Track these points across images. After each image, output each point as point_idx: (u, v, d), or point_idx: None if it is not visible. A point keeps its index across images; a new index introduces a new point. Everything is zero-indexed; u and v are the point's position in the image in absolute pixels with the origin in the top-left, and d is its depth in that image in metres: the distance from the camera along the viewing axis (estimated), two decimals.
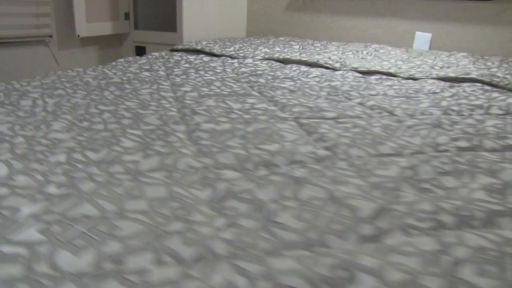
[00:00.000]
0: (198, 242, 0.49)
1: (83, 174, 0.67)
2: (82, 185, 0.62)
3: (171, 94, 1.20)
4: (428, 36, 2.22)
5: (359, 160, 0.78)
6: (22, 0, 2.07)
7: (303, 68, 1.68)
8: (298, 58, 1.77)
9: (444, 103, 1.24)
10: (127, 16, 2.50)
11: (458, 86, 1.47)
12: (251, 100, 1.14)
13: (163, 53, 1.98)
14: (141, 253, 0.47)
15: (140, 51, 2.52)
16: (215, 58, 1.85)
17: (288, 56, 1.80)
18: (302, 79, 1.47)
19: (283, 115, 1.02)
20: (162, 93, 1.21)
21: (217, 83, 1.34)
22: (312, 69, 1.65)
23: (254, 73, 1.53)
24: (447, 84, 1.49)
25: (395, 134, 0.93)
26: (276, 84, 1.36)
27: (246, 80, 1.42)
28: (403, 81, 1.54)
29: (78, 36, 2.25)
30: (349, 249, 0.51)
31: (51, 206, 0.57)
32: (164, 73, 1.54)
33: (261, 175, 0.69)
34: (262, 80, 1.42)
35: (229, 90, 1.26)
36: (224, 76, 1.47)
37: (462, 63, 1.79)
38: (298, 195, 0.62)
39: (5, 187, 0.63)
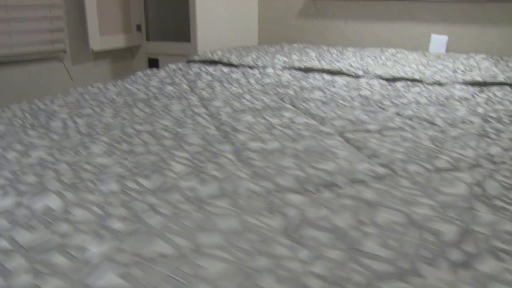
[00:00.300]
0: (291, 279, 0.47)
1: (143, 205, 0.64)
2: (147, 218, 0.59)
3: (204, 110, 1.18)
4: (444, 38, 2.20)
5: (420, 177, 0.75)
6: (36, 16, 2.05)
7: (326, 76, 1.66)
8: (320, 66, 1.75)
9: (480, 110, 1.22)
10: (139, 28, 2.48)
11: (487, 90, 1.45)
12: (287, 114, 1.12)
13: (180, 65, 1.96)
14: None
15: (153, 63, 2.50)
16: (234, 69, 1.83)
17: (309, 65, 1.77)
18: (330, 89, 1.45)
19: (326, 129, 1.00)
20: (194, 109, 1.18)
21: (247, 96, 1.31)
22: (336, 78, 1.63)
23: (279, 84, 1.51)
24: (476, 88, 1.47)
25: (445, 146, 0.91)
26: (306, 96, 1.34)
27: (274, 92, 1.40)
28: (430, 87, 1.51)
29: (92, 50, 2.23)
30: (445, 279, 0.49)
31: (121, 244, 0.54)
32: (187, 87, 1.51)
33: (328, 198, 0.66)
34: (290, 92, 1.39)
35: (261, 103, 1.24)
36: (250, 88, 1.45)
37: (483, 66, 1.76)
38: (375, 219, 0.59)
39: (65, 222, 0.60)
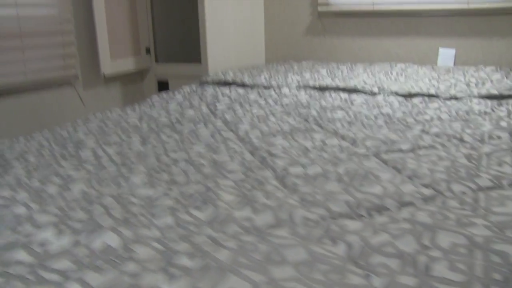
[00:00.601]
0: None
1: (205, 239, 0.64)
2: (214, 252, 0.60)
3: (233, 135, 1.19)
4: (452, 51, 2.23)
5: (467, 197, 0.76)
6: (48, 43, 2.07)
7: (343, 95, 1.68)
8: (334, 85, 1.77)
9: (503, 124, 1.24)
10: (148, 50, 2.50)
11: (505, 103, 1.47)
12: (318, 136, 1.13)
13: (194, 87, 1.97)
14: None
15: (162, 85, 2.52)
16: (249, 89, 1.85)
17: (324, 84, 1.79)
18: (351, 108, 1.47)
19: (360, 151, 1.01)
20: (223, 134, 1.19)
21: (272, 118, 1.33)
22: (353, 96, 1.65)
23: (299, 104, 1.53)
24: (494, 102, 1.49)
25: (481, 164, 0.92)
26: (329, 116, 1.35)
27: (296, 113, 1.41)
28: (447, 102, 1.53)
29: (104, 75, 2.24)
30: None
31: (196, 282, 0.54)
32: (208, 110, 1.52)
33: (383, 222, 0.67)
34: (313, 112, 1.41)
35: (287, 125, 1.25)
36: (271, 110, 1.46)
37: (495, 78, 1.79)
38: (437, 243, 0.60)
39: (130, 261, 0.60)
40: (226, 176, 0.88)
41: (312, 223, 0.67)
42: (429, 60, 2.30)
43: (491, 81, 1.71)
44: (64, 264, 0.60)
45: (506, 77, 1.78)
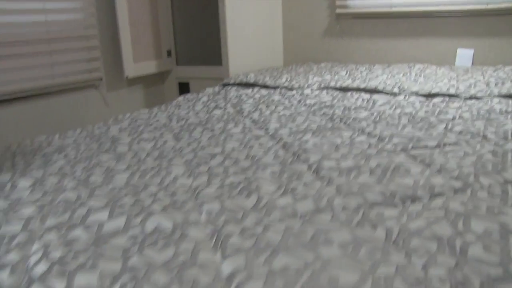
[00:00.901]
0: (415, 282, 0.52)
1: (253, 222, 0.69)
2: (264, 234, 0.65)
3: (263, 133, 1.24)
4: (470, 52, 2.26)
5: (496, 189, 0.80)
6: (74, 47, 2.14)
7: (364, 95, 1.72)
8: (355, 85, 1.81)
9: None
10: (169, 53, 2.56)
11: None
12: (346, 134, 1.17)
13: (217, 89, 2.02)
14: None
15: (183, 87, 2.58)
16: (272, 91, 1.89)
17: (345, 84, 1.84)
18: (374, 108, 1.51)
19: (388, 147, 1.05)
20: (254, 132, 1.24)
21: (299, 118, 1.37)
22: (374, 96, 1.69)
23: (323, 105, 1.57)
24: None
25: (507, 159, 0.96)
26: (354, 115, 1.40)
27: (321, 113, 1.46)
28: (468, 102, 1.57)
29: (127, 77, 2.31)
30: None
31: (250, 259, 0.59)
32: (234, 110, 1.57)
33: (417, 210, 0.71)
34: (338, 112, 1.45)
35: (315, 124, 1.29)
36: (297, 110, 1.51)
37: None
38: (471, 228, 0.64)
39: (184, 241, 0.65)
40: (263, 169, 0.93)
41: (350, 211, 0.72)
42: (447, 61, 2.33)
43: (511, 80, 1.74)
44: (121, 241, 0.65)
45: None
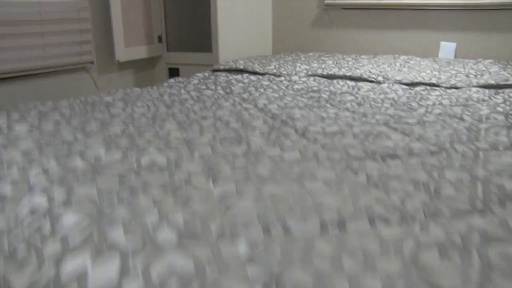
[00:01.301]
0: (392, 207, 0.58)
1: (244, 162, 0.74)
2: (254, 169, 0.70)
3: (252, 106, 1.29)
4: (453, 45, 2.34)
5: (469, 154, 0.87)
6: (66, 29, 2.16)
7: (350, 83, 1.78)
8: (341, 73, 1.87)
9: (499, 109, 1.34)
10: (160, 39, 2.60)
11: (502, 92, 1.58)
12: (331, 110, 1.24)
13: (206, 74, 2.07)
14: None
15: (173, 73, 2.61)
16: (260, 77, 1.94)
17: (331, 72, 1.89)
18: (359, 93, 1.57)
19: (372, 121, 1.12)
20: (243, 105, 1.30)
21: (287, 98, 1.43)
22: (360, 83, 1.75)
23: (310, 89, 1.63)
24: (492, 91, 1.59)
25: (480, 134, 1.03)
26: (339, 99, 1.46)
27: (308, 96, 1.51)
28: (448, 91, 1.64)
29: (118, 61, 2.34)
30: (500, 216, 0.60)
31: (240, 185, 0.64)
32: (224, 92, 1.62)
33: (396, 164, 0.78)
34: (324, 95, 1.51)
35: (302, 103, 1.35)
36: (285, 93, 1.57)
37: (492, 70, 1.89)
38: (445, 176, 0.71)
39: (179, 171, 0.70)
40: (252, 129, 0.99)
41: (334, 161, 0.78)
42: (431, 53, 2.40)
43: (489, 73, 1.82)
44: (118, 168, 0.71)
45: (504, 70, 1.88)
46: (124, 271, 0.45)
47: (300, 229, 0.53)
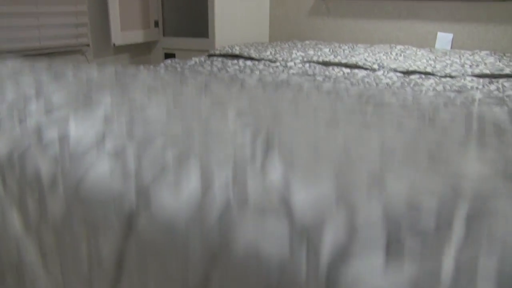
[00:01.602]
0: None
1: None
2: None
3: (250, 78, 1.30)
4: (449, 36, 2.34)
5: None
6: (62, 11, 2.15)
7: (345, 69, 1.78)
8: (337, 60, 1.87)
9: (493, 95, 1.35)
10: (156, 23, 2.58)
11: (496, 82, 1.58)
12: (326, 85, 1.24)
13: (202, 58, 2.06)
14: None
15: (169, 57, 2.60)
16: (256, 62, 1.94)
17: (327, 59, 1.89)
18: (354, 78, 1.57)
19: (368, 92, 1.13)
20: (239, 76, 1.30)
21: (284, 75, 1.43)
22: (355, 71, 1.75)
23: (305, 74, 1.63)
24: (486, 80, 1.60)
25: (472, 113, 1.03)
26: (334, 82, 1.46)
27: (303, 78, 1.52)
28: (443, 79, 1.64)
29: (114, 44, 2.32)
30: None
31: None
32: (219, 73, 1.62)
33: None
34: (319, 78, 1.51)
35: (299, 81, 1.36)
36: (281, 75, 1.57)
37: (488, 61, 1.90)
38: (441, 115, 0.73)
39: None
40: (248, 86, 0.99)
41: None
42: (428, 44, 2.41)
43: (485, 63, 1.82)
44: None
45: (499, 61, 1.89)
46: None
47: None
